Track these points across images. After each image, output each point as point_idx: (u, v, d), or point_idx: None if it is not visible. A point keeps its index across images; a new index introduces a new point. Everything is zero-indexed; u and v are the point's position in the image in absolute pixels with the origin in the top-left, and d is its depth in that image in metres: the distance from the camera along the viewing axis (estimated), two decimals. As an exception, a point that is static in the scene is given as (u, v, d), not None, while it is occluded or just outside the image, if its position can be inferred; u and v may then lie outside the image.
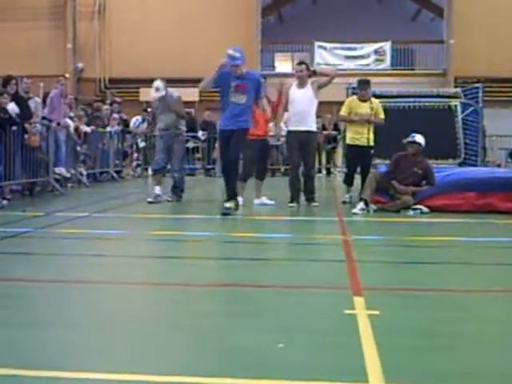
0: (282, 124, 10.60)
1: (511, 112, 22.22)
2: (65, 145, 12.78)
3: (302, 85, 9.48)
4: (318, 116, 11.13)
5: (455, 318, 3.71)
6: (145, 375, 2.72)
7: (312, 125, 9.58)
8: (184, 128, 10.57)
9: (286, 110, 9.73)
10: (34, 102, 12.05)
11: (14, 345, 3.11)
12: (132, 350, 3.14)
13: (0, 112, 9.99)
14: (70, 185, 13.14)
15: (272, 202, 9.57)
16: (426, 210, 8.78)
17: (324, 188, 10.07)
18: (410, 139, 9.29)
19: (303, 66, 9.58)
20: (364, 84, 10.05)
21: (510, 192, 8.77)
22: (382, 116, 9.85)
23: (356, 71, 24.28)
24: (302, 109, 9.39)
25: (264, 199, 9.62)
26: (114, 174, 15.93)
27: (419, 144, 9.21)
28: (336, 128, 19.27)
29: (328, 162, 19.61)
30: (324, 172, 19.37)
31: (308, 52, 25.18)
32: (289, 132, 9.72)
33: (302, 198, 9.60)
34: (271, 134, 10.93)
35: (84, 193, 12.49)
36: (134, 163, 18.24)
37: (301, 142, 9.41)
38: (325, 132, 19.03)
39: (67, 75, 22.79)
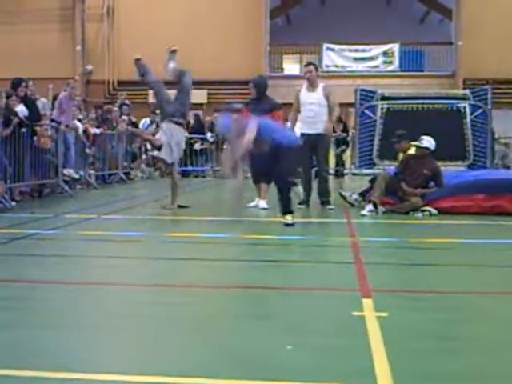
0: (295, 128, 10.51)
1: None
2: (74, 146, 12.82)
3: (312, 87, 9.43)
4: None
5: (464, 320, 3.70)
6: (154, 376, 2.73)
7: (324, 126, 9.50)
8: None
9: (298, 111, 9.69)
10: (41, 103, 12.11)
11: (21, 346, 3.11)
12: (141, 352, 3.15)
13: (10, 114, 10.03)
14: (78, 186, 13.17)
15: (266, 206, 9.21)
16: (434, 211, 8.77)
17: (332, 190, 10.06)
18: (416, 143, 9.30)
19: (311, 67, 9.51)
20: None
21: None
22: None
23: (365, 73, 24.27)
24: (313, 113, 9.35)
25: (262, 202, 9.30)
26: (123, 176, 15.97)
27: (425, 148, 9.20)
28: (345, 129, 19.12)
29: (337, 164, 19.49)
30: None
31: (316, 54, 25.15)
32: (301, 134, 9.70)
33: (313, 200, 9.58)
34: None
35: (93, 194, 12.52)
36: (143, 165, 18.27)
37: (313, 144, 9.38)
38: (334, 134, 18.80)
39: (76, 77, 22.85)
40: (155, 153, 9.28)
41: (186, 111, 9.25)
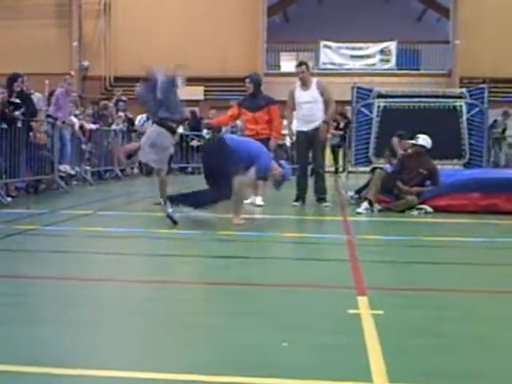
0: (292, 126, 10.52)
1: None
2: (70, 143, 12.80)
3: (305, 86, 9.45)
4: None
5: (459, 318, 3.70)
6: (149, 373, 2.73)
7: (319, 123, 9.48)
8: None
9: (293, 109, 9.71)
10: (36, 98, 12.08)
11: (19, 342, 3.11)
12: (137, 348, 3.15)
13: (5, 108, 10.01)
14: (74, 182, 13.16)
15: (262, 203, 9.20)
16: (430, 210, 8.78)
17: (328, 187, 10.08)
18: (413, 141, 9.32)
19: (303, 67, 9.51)
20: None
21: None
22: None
23: (361, 71, 24.28)
24: (307, 111, 9.38)
25: (258, 199, 9.32)
26: (119, 172, 15.95)
27: (421, 146, 9.21)
28: (347, 126, 18.84)
29: (337, 162, 19.40)
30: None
31: (313, 51, 25.15)
32: (297, 132, 9.73)
33: (309, 197, 9.60)
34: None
35: (89, 191, 12.51)
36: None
37: (309, 140, 9.42)
38: (333, 131, 18.50)
39: (72, 73, 22.78)
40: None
41: (173, 112, 9.18)
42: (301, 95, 9.45)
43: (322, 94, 9.39)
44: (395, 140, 9.65)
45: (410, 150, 9.44)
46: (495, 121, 19.83)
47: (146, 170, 9.52)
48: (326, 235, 6.97)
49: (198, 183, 15.12)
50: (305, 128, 9.44)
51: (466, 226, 7.86)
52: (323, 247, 6.31)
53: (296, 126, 9.80)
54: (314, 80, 9.57)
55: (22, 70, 11.60)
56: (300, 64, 9.71)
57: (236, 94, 18.86)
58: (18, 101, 10.38)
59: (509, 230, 7.67)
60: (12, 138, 10.00)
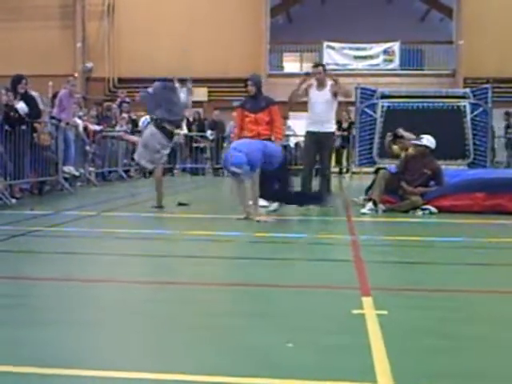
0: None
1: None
2: (74, 144, 12.82)
3: (321, 86, 9.51)
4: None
5: (464, 319, 3.69)
6: (153, 373, 2.72)
7: (330, 126, 9.66)
8: None
9: (296, 101, 9.76)
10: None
11: (22, 343, 3.11)
12: (141, 349, 3.15)
13: (10, 111, 10.03)
14: (78, 184, 13.18)
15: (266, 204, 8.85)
16: (434, 210, 8.77)
17: (332, 187, 10.09)
18: (416, 141, 9.29)
19: (320, 68, 9.63)
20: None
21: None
22: None
23: (365, 71, 24.26)
24: (320, 111, 9.44)
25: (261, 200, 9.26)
26: (123, 173, 15.97)
27: (425, 146, 9.19)
28: (349, 127, 18.85)
29: (340, 163, 19.39)
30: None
31: (317, 52, 25.15)
32: (307, 132, 9.75)
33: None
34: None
35: (93, 192, 12.52)
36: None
37: (318, 142, 9.47)
38: (338, 133, 18.46)
39: (76, 74, 22.85)
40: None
41: (174, 114, 9.08)
42: (315, 95, 9.50)
43: (335, 95, 9.45)
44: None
45: (410, 150, 9.41)
46: (508, 124, 19.88)
47: (141, 170, 9.46)
48: (330, 236, 6.96)
49: (207, 183, 15.16)
50: (315, 129, 9.48)
51: (470, 227, 7.85)
52: (328, 248, 6.31)
53: (306, 126, 9.82)
54: (329, 83, 9.61)
55: (25, 72, 11.61)
56: (317, 65, 9.86)
57: (239, 94, 18.87)
58: (20, 106, 10.34)
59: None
60: (16, 139, 10.02)
